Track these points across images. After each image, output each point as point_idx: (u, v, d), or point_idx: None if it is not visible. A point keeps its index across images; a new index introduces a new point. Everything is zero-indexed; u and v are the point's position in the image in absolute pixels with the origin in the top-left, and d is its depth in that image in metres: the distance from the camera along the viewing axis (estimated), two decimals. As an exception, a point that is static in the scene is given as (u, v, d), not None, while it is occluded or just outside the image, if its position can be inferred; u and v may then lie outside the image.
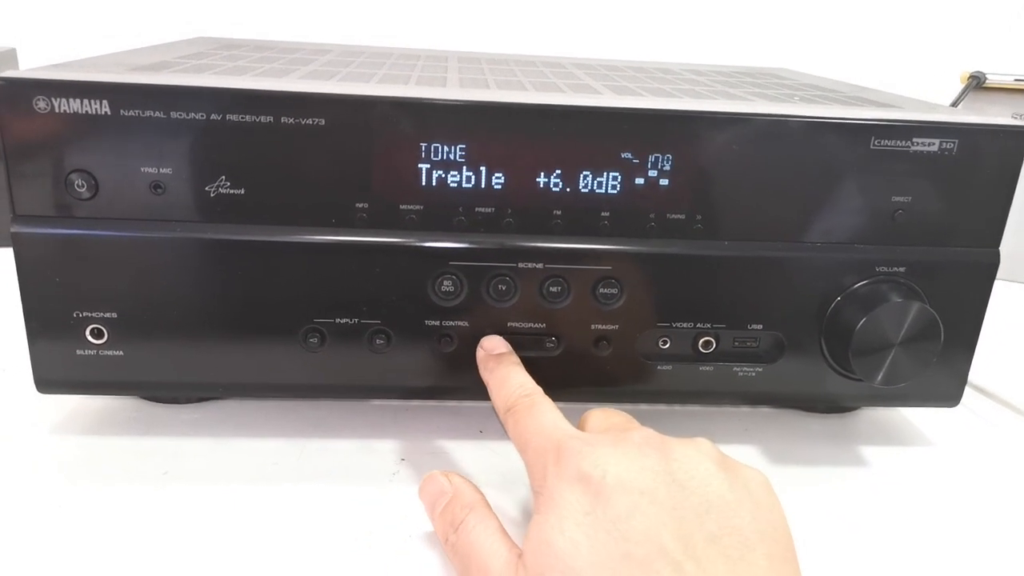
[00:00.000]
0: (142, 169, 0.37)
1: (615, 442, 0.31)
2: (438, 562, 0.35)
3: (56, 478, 0.40)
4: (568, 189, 0.39)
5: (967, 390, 0.45)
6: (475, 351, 0.41)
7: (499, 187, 0.39)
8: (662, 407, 0.50)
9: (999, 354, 0.57)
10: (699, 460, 0.31)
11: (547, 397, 0.36)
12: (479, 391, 0.40)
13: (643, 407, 0.49)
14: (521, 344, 0.41)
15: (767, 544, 0.29)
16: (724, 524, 0.28)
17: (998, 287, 0.43)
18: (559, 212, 0.40)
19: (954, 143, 0.40)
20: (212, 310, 0.40)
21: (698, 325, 0.42)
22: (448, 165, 0.39)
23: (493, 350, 0.40)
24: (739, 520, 0.29)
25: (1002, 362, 0.58)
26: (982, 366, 0.48)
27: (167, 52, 0.50)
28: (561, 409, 0.35)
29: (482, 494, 0.35)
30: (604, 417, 0.36)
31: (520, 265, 0.40)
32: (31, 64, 0.40)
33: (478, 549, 0.32)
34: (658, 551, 0.27)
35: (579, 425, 0.36)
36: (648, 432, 0.33)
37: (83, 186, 0.37)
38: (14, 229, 0.37)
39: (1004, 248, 0.42)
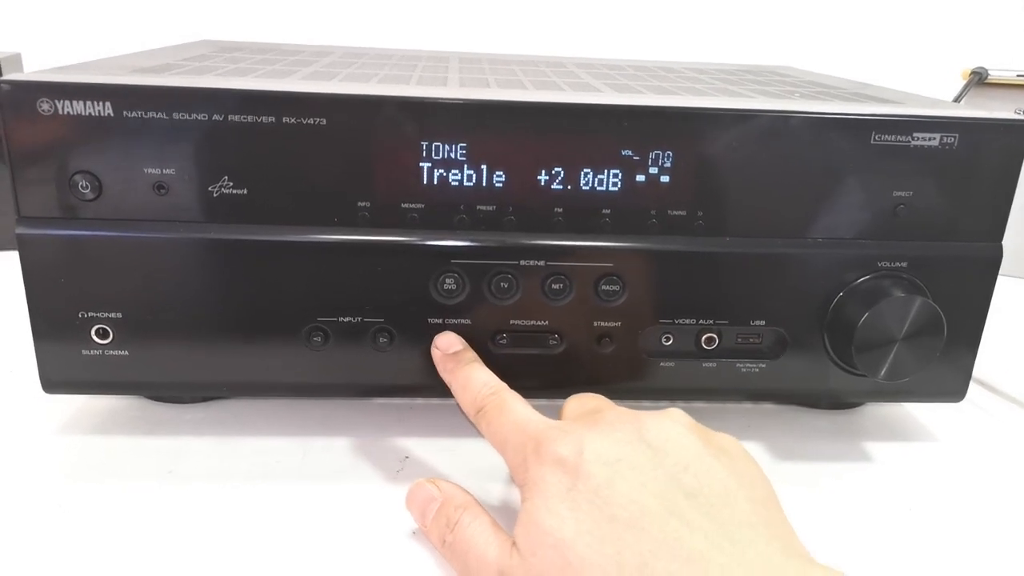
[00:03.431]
0: (145, 170, 0.37)
1: (590, 424, 0.32)
2: (441, 559, 0.35)
3: (61, 477, 0.40)
4: (569, 187, 0.40)
5: (971, 385, 0.45)
6: (479, 349, 0.41)
7: (500, 185, 0.39)
8: (665, 404, 0.50)
9: (1003, 349, 0.56)
10: (671, 426, 0.32)
11: (513, 391, 0.36)
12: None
13: (646, 404, 0.49)
14: (523, 342, 0.41)
15: (746, 489, 0.30)
16: (702, 479, 0.29)
17: (1002, 283, 0.43)
18: (560, 210, 0.40)
19: (955, 138, 0.40)
20: (216, 310, 0.40)
21: (700, 321, 0.42)
22: (449, 164, 0.39)
23: (448, 348, 0.40)
24: (717, 473, 0.30)
25: (1006, 357, 0.57)
26: (986, 361, 0.48)
27: (170, 55, 0.50)
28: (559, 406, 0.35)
29: (471, 495, 0.35)
30: (579, 403, 0.37)
31: (522, 263, 0.40)
32: (36, 69, 0.40)
33: (474, 544, 0.32)
34: (641, 511, 0.28)
35: (558, 416, 0.36)
36: (621, 410, 0.34)
37: (87, 187, 0.37)
38: (19, 231, 0.38)
39: (1007, 243, 0.42)
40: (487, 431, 0.36)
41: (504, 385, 0.37)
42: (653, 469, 0.29)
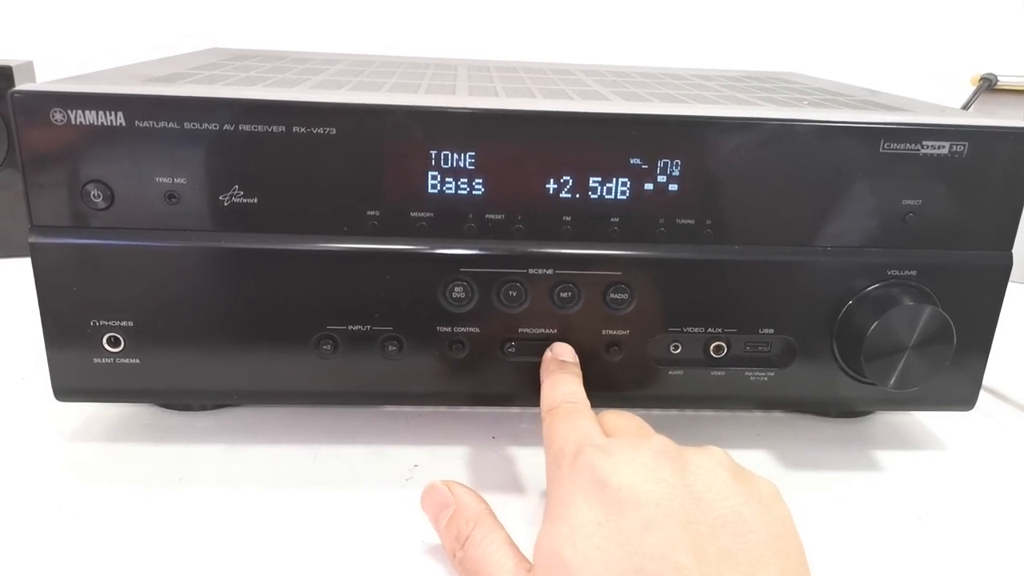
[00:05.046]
0: (157, 179, 0.38)
1: (633, 448, 0.31)
2: (451, 568, 0.35)
3: (73, 484, 0.40)
4: (577, 195, 0.40)
5: (982, 393, 0.45)
6: (486, 357, 0.41)
7: (508, 194, 0.39)
8: (674, 412, 0.50)
9: (1014, 357, 0.56)
10: (715, 472, 0.30)
11: (592, 413, 0.36)
12: (491, 397, 0.40)
13: (655, 412, 0.49)
14: (532, 349, 0.41)
15: (781, 559, 0.28)
16: (739, 539, 0.28)
17: (1012, 290, 0.43)
18: (569, 218, 0.40)
19: (964, 146, 0.40)
20: (226, 318, 0.40)
21: (709, 330, 0.42)
22: (458, 172, 0.39)
23: (560, 356, 0.41)
24: (754, 536, 0.28)
25: (1017, 365, 0.57)
26: (996, 369, 0.47)
27: (180, 64, 0.50)
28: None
29: (485, 503, 0.35)
30: (620, 422, 0.36)
31: (530, 271, 0.40)
32: (48, 77, 0.41)
33: (486, 564, 0.31)
34: (672, 567, 0.27)
35: None
36: (665, 441, 0.32)
37: (99, 196, 0.38)
38: (32, 239, 0.38)
39: (1017, 251, 0.42)
40: (546, 429, 0.35)
41: (587, 403, 0.37)
42: (690, 522, 0.28)
